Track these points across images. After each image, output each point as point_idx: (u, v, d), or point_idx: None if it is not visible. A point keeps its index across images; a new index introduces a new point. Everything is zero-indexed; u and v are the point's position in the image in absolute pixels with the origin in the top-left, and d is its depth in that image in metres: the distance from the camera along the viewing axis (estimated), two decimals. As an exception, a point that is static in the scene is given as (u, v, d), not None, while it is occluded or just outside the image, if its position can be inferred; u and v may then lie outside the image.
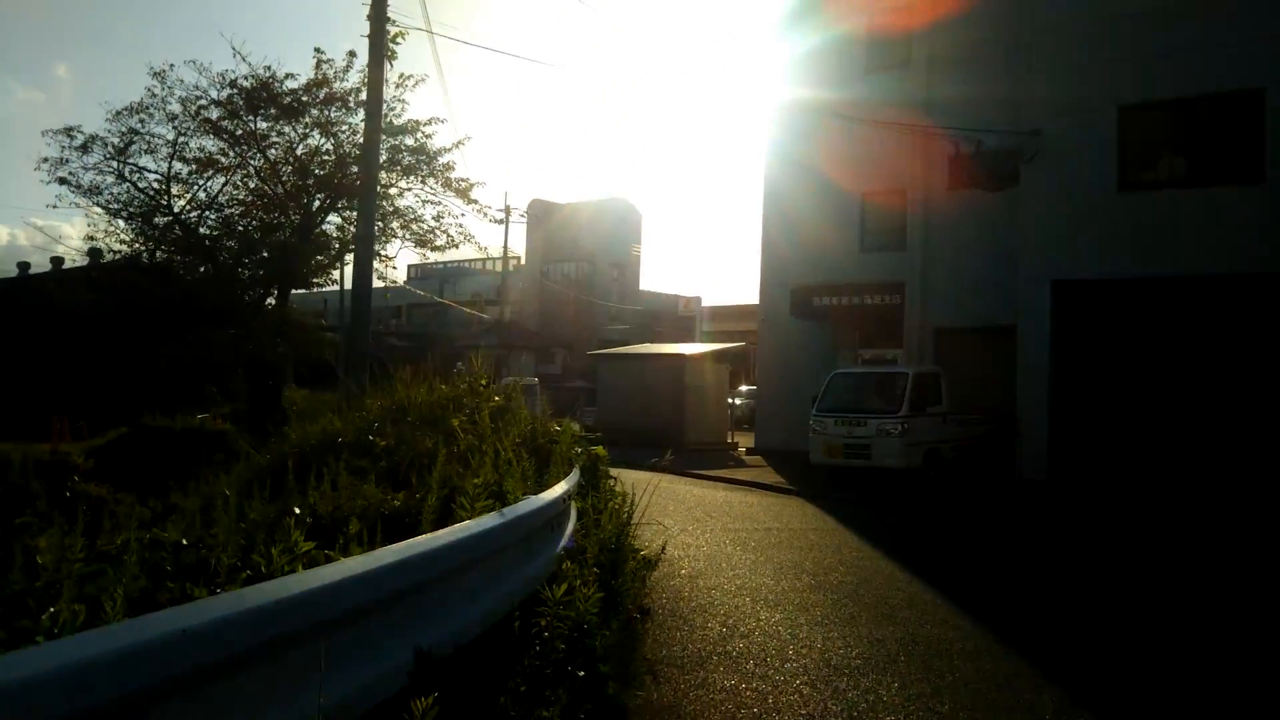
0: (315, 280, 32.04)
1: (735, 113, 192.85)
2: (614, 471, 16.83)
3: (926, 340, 25.85)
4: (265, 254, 27.87)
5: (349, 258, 30.69)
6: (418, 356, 59.48)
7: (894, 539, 14.59)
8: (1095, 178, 21.67)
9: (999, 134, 22.86)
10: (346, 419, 12.76)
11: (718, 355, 35.12)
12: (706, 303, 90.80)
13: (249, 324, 27.27)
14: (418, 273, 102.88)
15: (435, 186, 28.59)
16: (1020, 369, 22.36)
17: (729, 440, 33.34)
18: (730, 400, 36.60)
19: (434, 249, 30.89)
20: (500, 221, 31.03)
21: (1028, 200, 22.70)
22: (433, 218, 29.61)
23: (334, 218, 29.98)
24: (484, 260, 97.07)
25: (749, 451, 30.03)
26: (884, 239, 28.14)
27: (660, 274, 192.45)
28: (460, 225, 30.78)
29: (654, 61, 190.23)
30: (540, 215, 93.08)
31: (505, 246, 64.05)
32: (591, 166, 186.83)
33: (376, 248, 29.34)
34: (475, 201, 29.02)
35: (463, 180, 28.28)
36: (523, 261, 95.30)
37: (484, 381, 15.95)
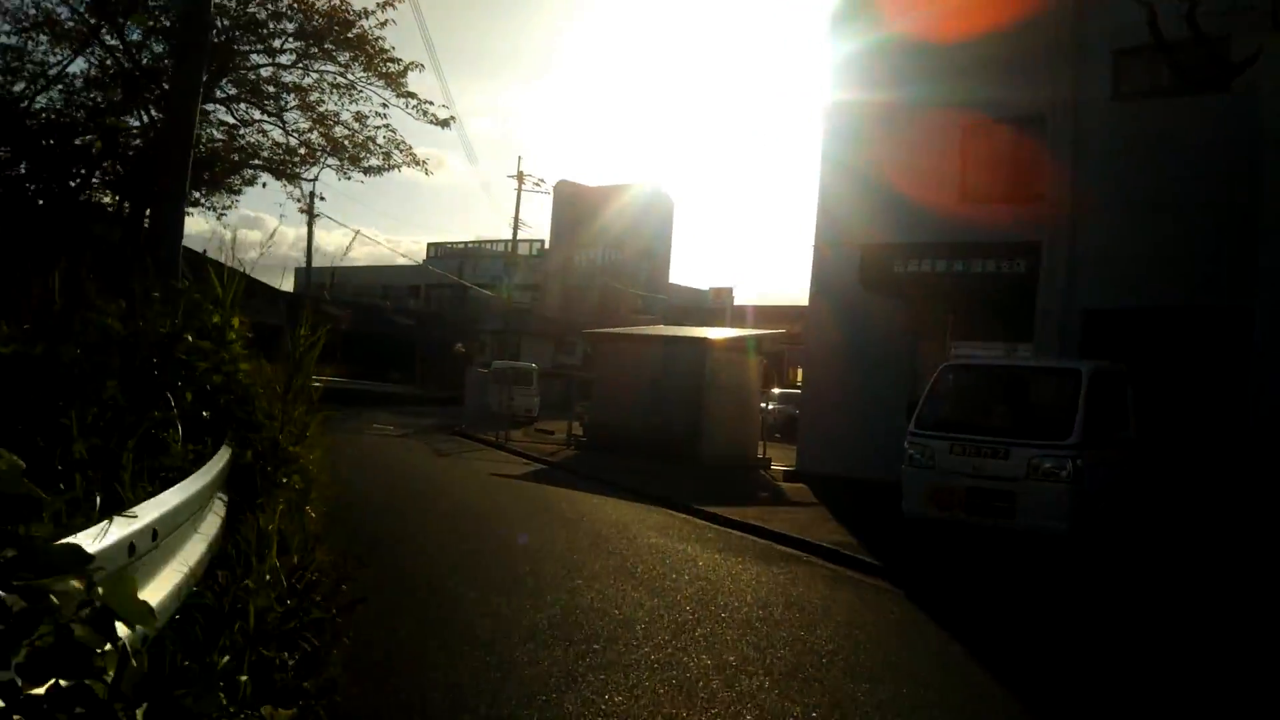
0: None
1: (783, 89, 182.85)
2: (587, 502, 14.26)
3: (1071, 328, 16.53)
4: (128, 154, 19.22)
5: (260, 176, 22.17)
6: (424, 335, 51.52)
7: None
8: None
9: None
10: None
11: (751, 344, 25.92)
12: (740, 300, 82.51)
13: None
14: (436, 251, 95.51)
15: (355, 70, 19.72)
16: (1260, 377, 13.03)
17: (759, 455, 24.23)
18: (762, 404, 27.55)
19: (359, 166, 21.93)
20: (442, 124, 19.65)
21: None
22: (352, 116, 20.89)
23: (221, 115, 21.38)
24: (508, 242, 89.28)
25: (787, 476, 20.84)
26: (1002, 182, 18.90)
27: (692, 267, 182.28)
28: (390, 130, 21.78)
29: (691, 37, 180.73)
30: (567, 197, 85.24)
31: (516, 218, 55.50)
32: (624, 150, 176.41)
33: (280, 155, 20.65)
34: (411, 95, 20.23)
35: (389, 59, 19.31)
36: (547, 245, 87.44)
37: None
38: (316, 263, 57.93)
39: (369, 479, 16.29)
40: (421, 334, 61.74)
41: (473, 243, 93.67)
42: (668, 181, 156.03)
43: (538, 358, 70.30)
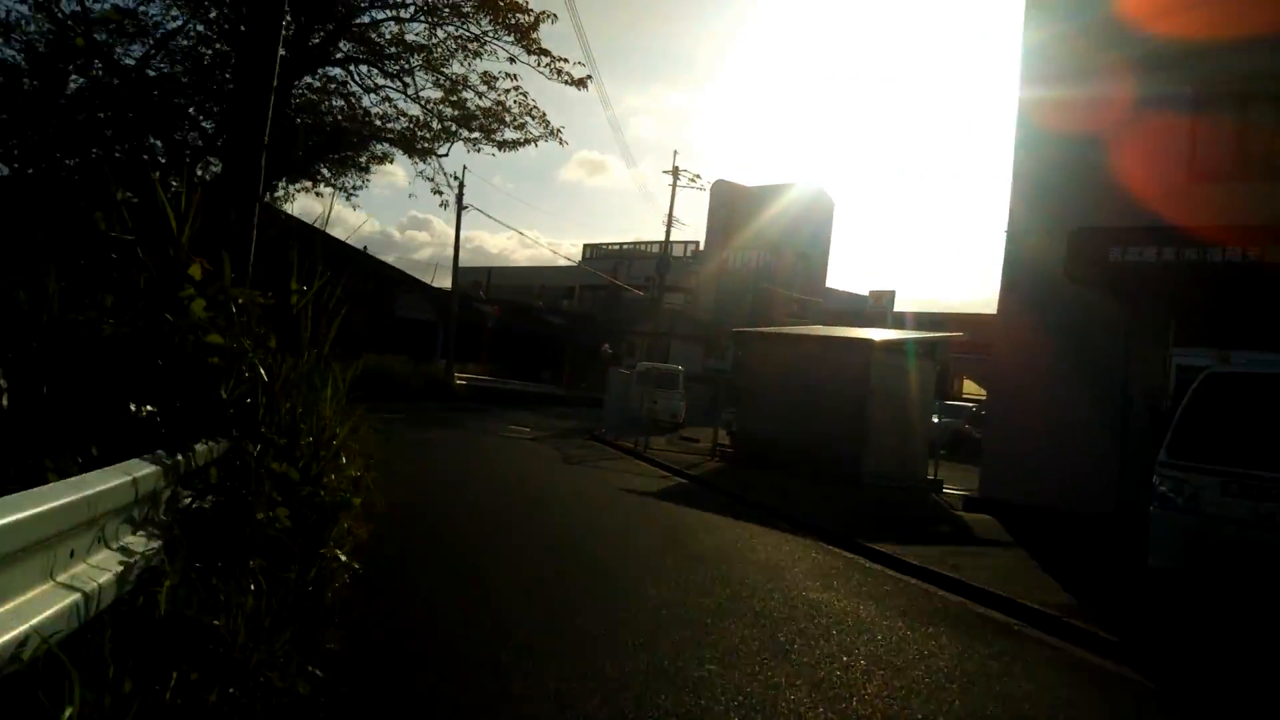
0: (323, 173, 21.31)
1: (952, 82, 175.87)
2: (731, 532, 11.60)
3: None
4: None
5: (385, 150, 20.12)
6: (574, 336, 49.74)
7: None
8: None
9: None
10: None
11: (923, 346, 22.59)
12: (900, 307, 78.22)
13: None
14: (592, 253, 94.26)
15: (480, 23, 17.33)
16: None
17: (930, 477, 20.95)
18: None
19: (493, 139, 19.50)
20: (578, 83, 17.01)
21: None
22: (480, 77, 18.47)
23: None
24: (663, 243, 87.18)
25: (967, 504, 17.57)
26: (1244, 159, 15.33)
27: (851, 271, 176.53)
28: (522, 94, 19.19)
29: (854, 35, 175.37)
30: (724, 197, 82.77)
31: (670, 215, 52.32)
32: (784, 150, 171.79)
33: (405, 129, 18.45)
34: (544, 52, 17.72)
35: (517, 7, 16.77)
36: (701, 247, 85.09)
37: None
38: (479, 263, 57.22)
39: (476, 490, 13.90)
40: (572, 335, 59.88)
41: (628, 244, 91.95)
42: (828, 182, 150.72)
43: (687, 361, 67.66)
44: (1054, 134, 17.13)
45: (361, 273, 39.65)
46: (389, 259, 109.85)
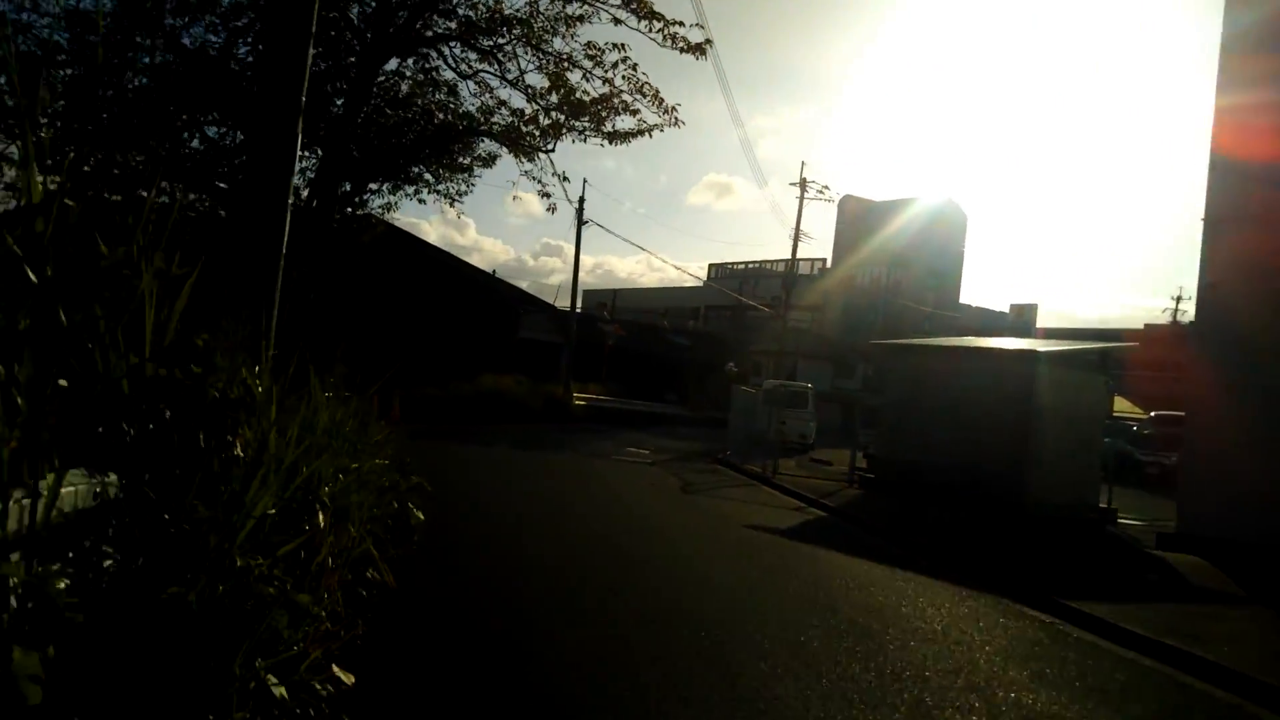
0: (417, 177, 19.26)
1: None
2: (883, 585, 9.40)
3: None
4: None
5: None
6: (698, 356, 47.59)
7: None
8: None
9: None
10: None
11: (1093, 358, 19.51)
12: (1041, 322, 73.83)
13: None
14: (717, 272, 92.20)
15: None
16: None
17: (1103, 505, 17.90)
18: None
19: (602, 131, 17.17)
20: (695, 49, 14.55)
21: None
22: (584, 52, 16.21)
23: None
24: (788, 261, 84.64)
25: (1162, 541, 14.48)
26: None
27: (986, 287, 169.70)
28: (631, 68, 16.59)
29: (992, 41, 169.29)
30: (851, 213, 79.87)
31: (797, 228, 49.45)
32: (914, 163, 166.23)
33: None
34: (656, 15, 15.32)
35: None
36: (828, 264, 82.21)
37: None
38: (606, 286, 55.57)
39: (572, 528, 11.56)
40: (696, 355, 57.59)
41: (753, 263, 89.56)
42: (960, 194, 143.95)
43: (815, 380, 64.42)
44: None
45: (484, 293, 38.36)
46: (522, 284, 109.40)
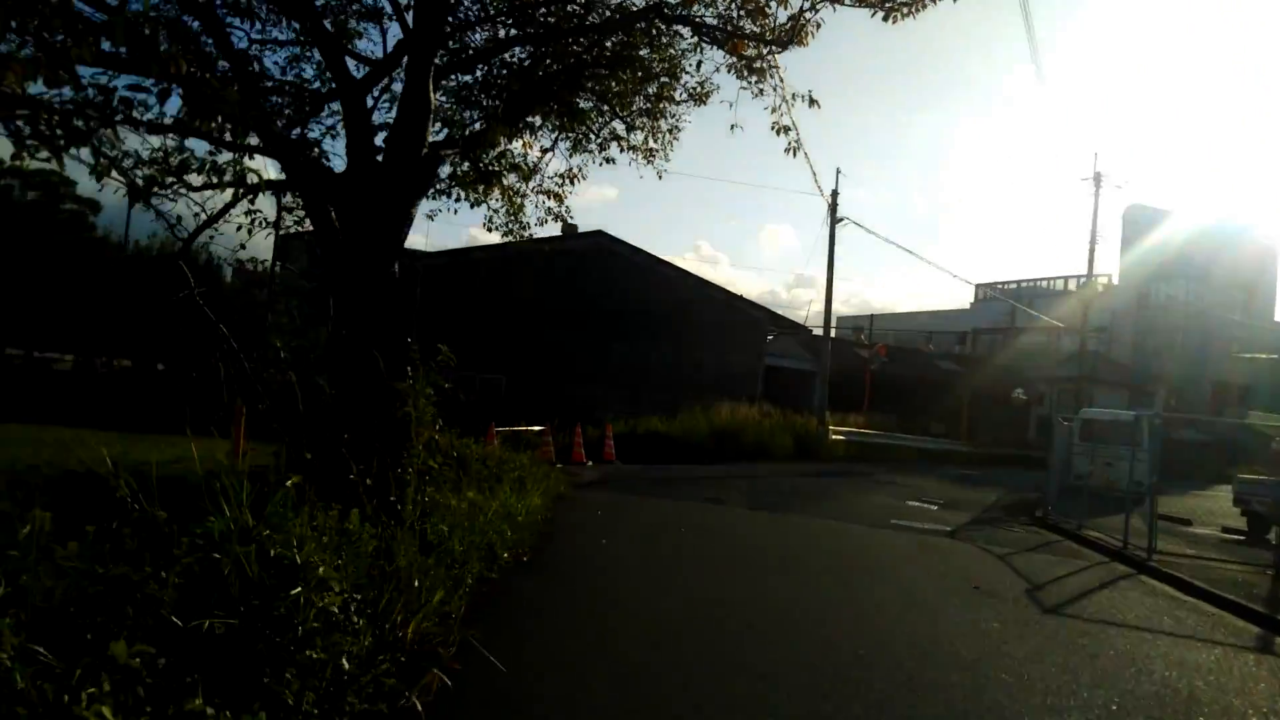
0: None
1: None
2: None
3: None
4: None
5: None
6: (970, 382, 40.25)
7: None
8: None
9: None
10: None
11: None
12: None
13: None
14: (985, 293, 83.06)
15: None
16: None
17: None
18: None
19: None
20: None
21: None
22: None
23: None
24: (1064, 279, 74.57)
25: None
26: None
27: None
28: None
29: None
30: (1140, 223, 69.23)
31: (1094, 231, 40.84)
32: (1205, 168, 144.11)
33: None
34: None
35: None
36: (1115, 280, 71.74)
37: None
38: (859, 312, 48.78)
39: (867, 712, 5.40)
40: (968, 381, 49.55)
41: (1025, 281, 79.91)
42: (1265, 208, 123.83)
43: (1109, 409, 55.32)
44: None
45: (725, 314, 32.48)
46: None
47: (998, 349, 71.23)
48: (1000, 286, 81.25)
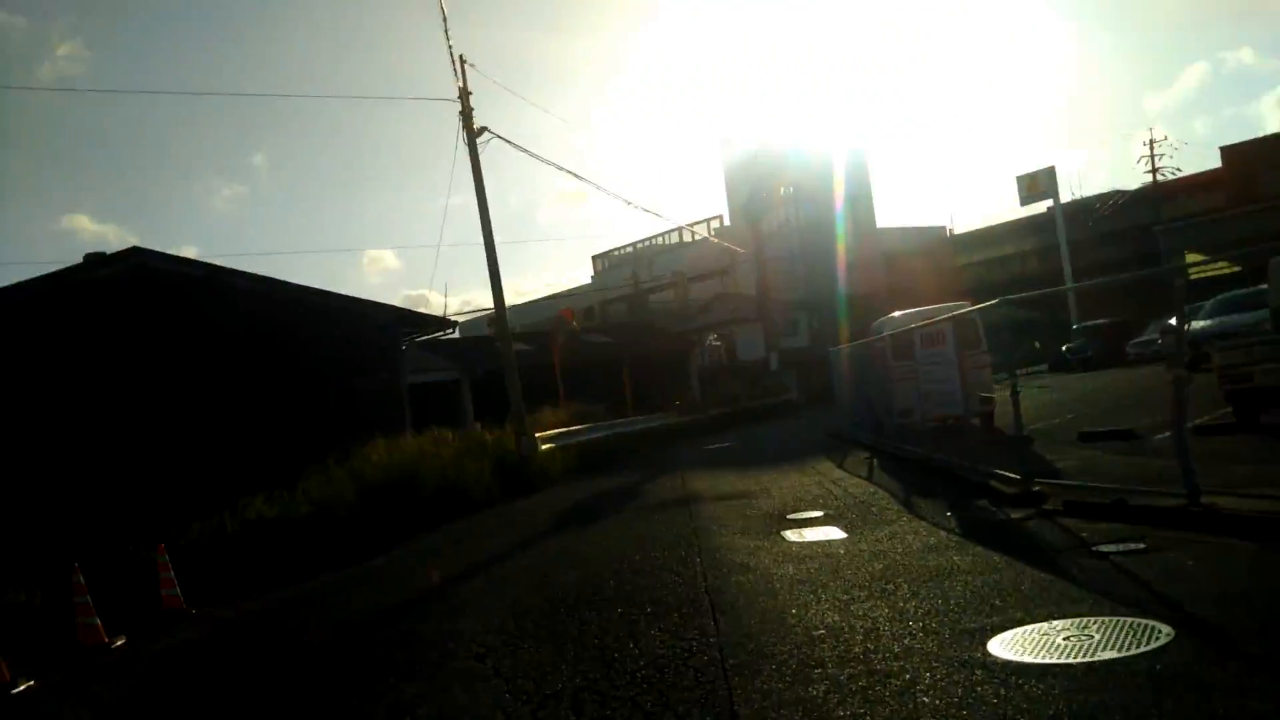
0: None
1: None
2: None
3: None
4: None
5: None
6: (637, 352, 33.04)
7: None
8: None
9: None
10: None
11: None
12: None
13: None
14: (604, 263, 78.13)
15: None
16: None
17: None
18: None
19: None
20: None
21: None
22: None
23: None
24: (678, 230, 70.42)
25: None
26: None
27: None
28: None
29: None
30: (738, 160, 67.45)
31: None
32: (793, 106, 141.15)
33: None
34: None
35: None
36: (725, 221, 69.23)
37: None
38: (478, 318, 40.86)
39: None
40: (628, 351, 42.84)
41: (641, 242, 75.64)
42: (846, 130, 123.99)
43: (753, 350, 51.48)
44: None
45: (335, 328, 22.17)
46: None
47: (628, 314, 66.59)
48: (616, 253, 76.54)
